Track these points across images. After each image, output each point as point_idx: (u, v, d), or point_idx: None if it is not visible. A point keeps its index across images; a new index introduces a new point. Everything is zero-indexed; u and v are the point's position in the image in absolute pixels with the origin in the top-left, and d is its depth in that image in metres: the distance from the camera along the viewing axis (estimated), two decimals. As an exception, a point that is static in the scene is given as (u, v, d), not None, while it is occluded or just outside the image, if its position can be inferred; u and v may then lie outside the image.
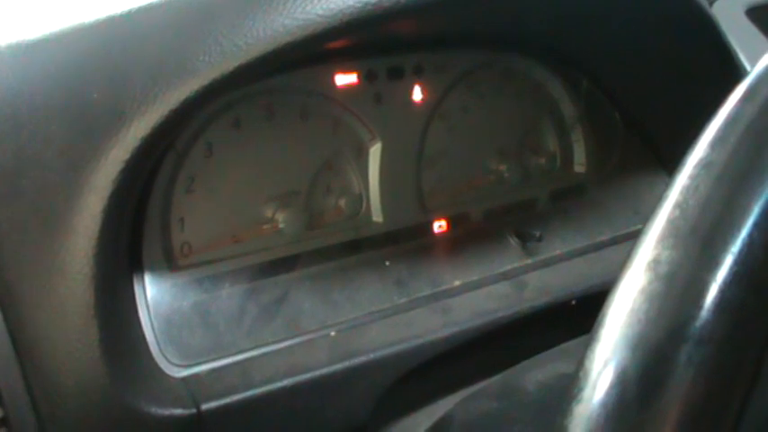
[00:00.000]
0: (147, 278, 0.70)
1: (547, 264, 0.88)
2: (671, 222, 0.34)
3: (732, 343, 0.31)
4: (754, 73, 0.38)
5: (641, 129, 0.97)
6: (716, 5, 1.06)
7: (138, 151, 0.60)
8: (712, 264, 0.32)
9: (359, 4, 0.61)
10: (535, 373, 0.68)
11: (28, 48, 0.65)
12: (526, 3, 0.78)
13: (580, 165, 0.98)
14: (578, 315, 0.79)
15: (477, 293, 0.82)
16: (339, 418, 0.71)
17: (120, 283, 0.67)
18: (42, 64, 0.64)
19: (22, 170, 0.61)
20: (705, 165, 0.35)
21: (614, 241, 0.92)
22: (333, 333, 0.74)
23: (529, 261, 0.88)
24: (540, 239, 0.89)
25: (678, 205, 0.34)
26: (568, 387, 0.34)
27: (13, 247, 0.61)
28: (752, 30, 1.05)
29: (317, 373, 0.69)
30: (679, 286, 0.32)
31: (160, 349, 0.67)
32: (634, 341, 0.32)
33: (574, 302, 0.82)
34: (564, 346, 0.72)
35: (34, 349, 0.61)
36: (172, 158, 0.72)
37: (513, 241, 0.89)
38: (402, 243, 0.86)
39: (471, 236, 0.89)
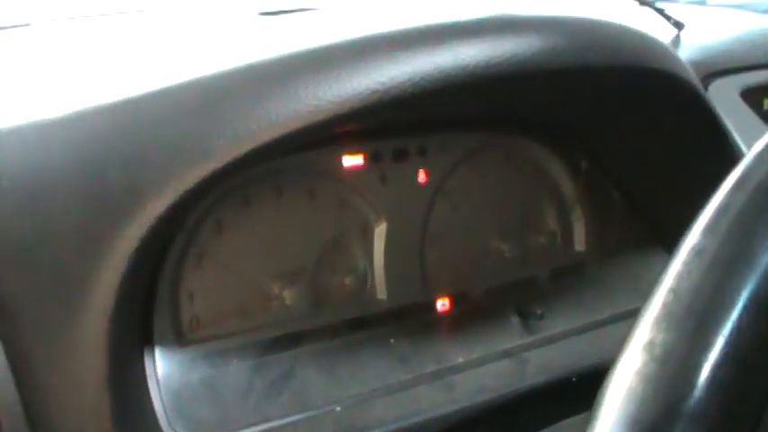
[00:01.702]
0: (158, 352, 0.72)
1: (548, 341, 0.89)
2: (665, 306, 0.36)
3: (724, 420, 0.33)
4: (743, 163, 0.41)
5: (640, 208, 0.99)
6: (711, 87, 1.08)
7: (153, 230, 0.62)
8: (704, 346, 0.34)
9: (367, 92, 0.64)
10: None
11: (49, 126, 0.67)
12: (528, 89, 0.81)
13: (580, 243, 1.00)
14: (579, 392, 0.80)
15: (479, 370, 0.83)
16: (345, 492, 0.72)
17: (132, 357, 0.69)
18: (62, 142, 0.67)
19: (39, 245, 0.63)
20: (697, 252, 0.37)
21: (614, 319, 0.93)
22: (338, 409, 0.75)
23: (530, 339, 0.89)
24: (541, 317, 0.90)
25: (672, 290, 0.36)
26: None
27: (29, 319, 0.62)
28: (746, 111, 1.07)
29: (323, 448, 0.71)
30: (673, 367, 0.34)
31: (169, 422, 0.69)
32: (631, 420, 0.34)
33: (574, 379, 0.83)
34: (565, 422, 0.73)
35: (47, 420, 0.62)
36: (183, 235, 0.74)
37: (515, 319, 0.91)
38: (406, 320, 0.87)
39: (474, 314, 0.91)
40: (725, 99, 1.07)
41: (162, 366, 0.72)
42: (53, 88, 0.76)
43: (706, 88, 1.08)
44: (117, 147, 0.65)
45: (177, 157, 0.63)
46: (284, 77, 0.65)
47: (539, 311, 0.90)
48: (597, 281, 0.99)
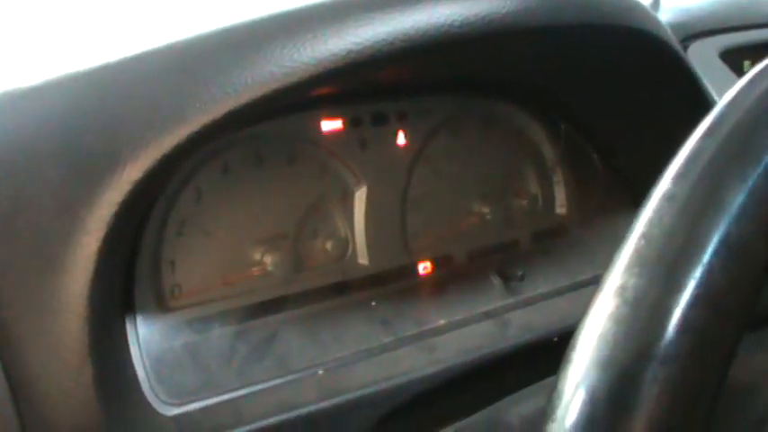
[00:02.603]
0: (139, 319, 0.72)
1: (529, 303, 0.90)
2: (637, 251, 0.36)
3: (695, 361, 0.33)
4: (714, 111, 0.41)
5: (620, 170, 0.99)
6: (691, 49, 1.09)
7: (131, 195, 0.62)
8: (675, 288, 0.34)
9: (342, 52, 0.64)
10: (518, 407, 0.69)
11: (24, 94, 0.67)
12: (505, 49, 0.80)
13: (561, 206, 1.01)
14: (560, 352, 0.80)
15: (461, 332, 0.84)
16: (327, 454, 0.73)
17: (113, 324, 0.69)
18: (38, 110, 0.66)
19: (17, 212, 0.63)
20: (668, 197, 0.37)
21: (595, 280, 0.92)
22: (321, 372, 0.75)
23: (512, 300, 0.90)
24: (522, 279, 0.91)
25: (643, 236, 0.36)
26: (544, 408, 0.36)
27: (8, 287, 0.62)
28: (726, 72, 1.08)
29: (306, 410, 0.71)
30: (644, 310, 0.34)
31: (152, 388, 0.69)
32: (603, 363, 0.34)
33: (556, 339, 0.84)
34: (546, 381, 0.74)
35: (28, 386, 0.62)
36: (162, 203, 0.74)
37: (497, 281, 0.91)
38: (388, 284, 0.88)
39: (455, 276, 0.91)
40: (705, 60, 1.07)
41: (144, 333, 0.72)
42: (29, 56, 0.76)
43: (686, 50, 1.08)
44: (93, 112, 0.65)
45: (153, 122, 0.62)
46: (259, 40, 0.65)
47: (520, 273, 0.90)
48: (578, 243, 0.99)
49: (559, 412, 0.35)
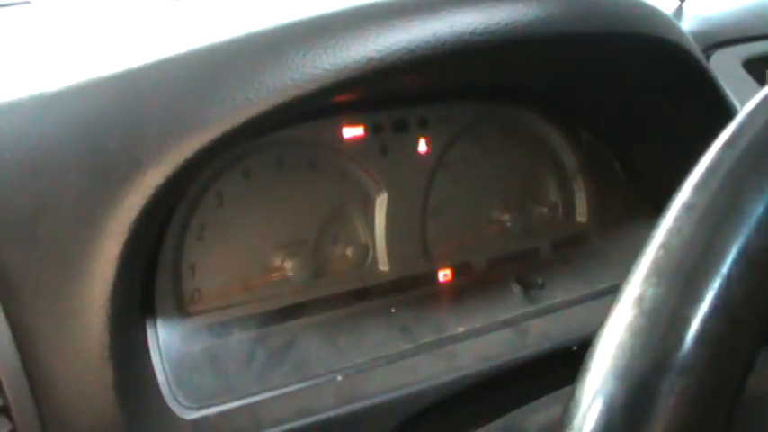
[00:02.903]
0: (160, 323, 0.72)
1: (549, 311, 0.90)
2: (655, 261, 0.36)
3: (712, 372, 0.33)
4: (735, 121, 0.41)
5: (641, 178, 0.99)
6: (713, 58, 1.08)
7: (153, 200, 0.62)
8: (693, 299, 0.34)
9: (363, 60, 0.64)
10: (536, 416, 0.69)
11: (47, 99, 0.68)
12: (526, 57, 0.80)
13: (582, 214, 1.00)
14: (579, 361, 0.80)
15: (480, 340, 0.84)
16: (345, 460, 0.73)
17: (134, 328, 0.69)
18: (61, 115, 0.67)
19: (40, 216, 0.63)
20: (687, 208, 0.37)
21: (615, 289, 0.92)
22: (339, 377, 0.75)
23: (531, 308, 0.90)
24: (542, 287, 0.90)
25: (662, 246, 0.36)
26: (561, 417, 0.36)
27: (31, 289, 0.63)
28: (749, 81, 1.07)
29: (324, 416, 0.71)
30: (662, 321, 0.34)
31: (171, 392, 0.69)
32: (620, 372, 0.34)
33: (575, 348, 0.84)
34: (565, 390, 0.74)
35: (50, 388, 0.62)
36: (184, 207, 0.74)
37: (516, 289, 0.91)
38: (407, 291, 0.88)
39: (475, 284, 0.91)
40: (727, 70, 1.07)
41: (164, 337, 0.72)
42: (52, 64, 0.76)
43: (708, 59, 1.08)
44: (115, 118, 0.66)
45: (175, 128, 0.63)
46: (281, 46, 0.65)
47: (540, 281, 0.90)
48: (598, 251, 0.99)
49: (576, 422, 0.35)
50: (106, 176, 0.63)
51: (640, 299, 0.35)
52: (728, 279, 0.34)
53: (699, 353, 0.33)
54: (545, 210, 0.98)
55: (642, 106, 0.91)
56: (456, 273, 0.91)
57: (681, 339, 0.33)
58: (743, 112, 0.41)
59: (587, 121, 0.97)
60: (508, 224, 0.95)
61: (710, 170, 0.38)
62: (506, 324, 0.87)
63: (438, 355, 0.81)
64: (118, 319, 0.63)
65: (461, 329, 0.84)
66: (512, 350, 0.82)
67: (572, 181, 1.00)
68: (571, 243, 0.99)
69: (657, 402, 0.33)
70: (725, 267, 0.35)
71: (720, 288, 0.34)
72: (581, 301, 0.91)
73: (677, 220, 0.37)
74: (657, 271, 0.36)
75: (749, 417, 0.51)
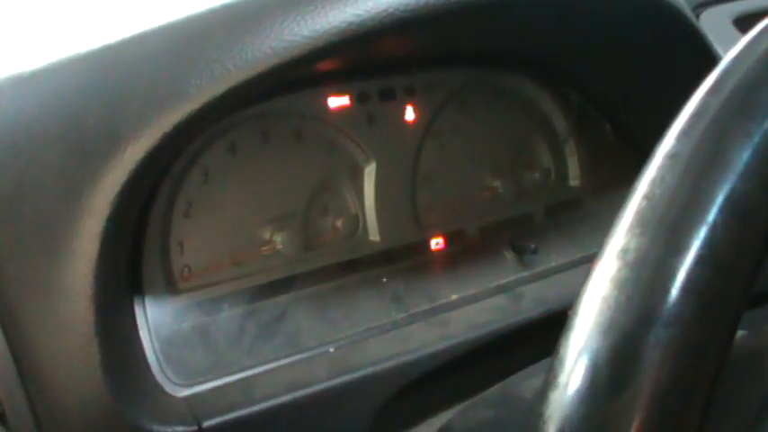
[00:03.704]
0: (148, 300, 0.72)
1: (543, 276, 0.89)
2: (638, 212, 0.35)
3: (698, 323, 0.32)
4: (718, 68, 0.40)
5: (633, 140, 0.98)
6: (703, 16, 1.07)
7: (135, 175, 0.62)
8: (678, 249, 0.33)
9: (343, 25, 0.63)
10: (532, 381, 0.69)
11: (25, 78, 0.67)
12: (510, 19, 0.79)
13: (574, 178, 1.00)
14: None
15: (473, 307, 0.83)
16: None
17: (121, 306, 0.68)
18: (39, 93, 0.66)
19: (21, 196, 0.63)
20: (671, 156, 0.36)
21: (609, 252, 0.92)
22: (331, 349, 0.75)
23: (525, 274, 0.89)
24: (535, 252, 0.90)
25: (645, 196, 0.35)
26: (546, 375, 0.35)
27: (14, 270, 0.62)
28: (739, 38, 1.06)
29: (317, 388, 0.71)
30: (646, 272, 0.33)
31: (161, 369, 0.68)
32: (605, 327, 0.33)
33: (570, 313, 0.83)
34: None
35: (37, 369, 0.62)
36: (169, 184, 0.73)
37: (509, 255, 0.90)
38: (399, 261, 0.87)
39: (467, 251, 0.90)
40: (717, 28, 1.06)
41: (153, 315, 0.71)
42: (28, 42, 0.76)
43: (698, 17, 1.07)
44: (94, 94, 0.65)
45: (154, 101, 0.62)
46: (258, 15, 0.64)
47: (533, 246, 0.90)
48: (592, 215, 0.98)
49: (561, 379, 0.34)
50: (86, 153, 0.62)
51: (624, 251, 0.34)
52: (714, 227, 0.33)
53: (684, 303, 0.32)
54: (537, 175, 0.97)
55: (632, 67, 0.90)
56: (448, 240, 0.90)
57: (666, 290, 0.33)
58: (726, 58, 0.40)
59: (577, 83, 0.96)
60: (500, 190, 0.94)
61: (694, 117, 0.37)
62: (500, 290, 0.86)
63: (431, 324, 0.80)
64: (104, 298, 0.62)
65: (454, 297, 0.84)
66: (506, 316, 0.81)
67: (563, 145, 0.99)
68: (564, 207, 0.98)
69: (643, 356, 0.32)
70: (710, 215, 0.34)
71: (705, 237, 0.33)
72: (575, 265, 0.91)
73: (660, 168, 0.36)
74: (641, 221, 0.35)
75: (739, 379, 0.50)
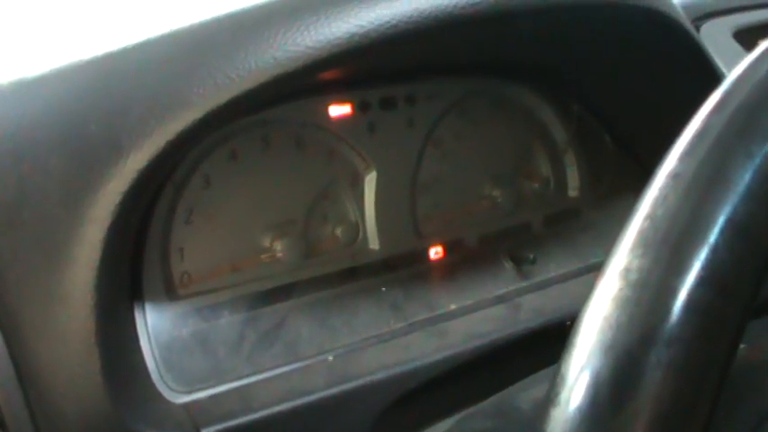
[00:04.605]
0: (148, 307, 0.72)
1: (541, 286, 0.89)
2: (641, 232, 0.35)
3: (700, 343, 0.33)
4: (722, 87, 0.40)
5: (632, 151, 0.98)
6: (703, 28, 1.07)
7: (136, 183, 0.62)
8: (679, 269, 0.33)
9: (346, 36, 0.63)
10: (530, 392, 0.69)
11: (28, 84, 0.67)
12: (512, 30, 0.80)
13: (573, 189, 1.00)
14: (572, 336, 0.80)
15: (472, 317, 0.83)
16: (337, 440, 0.72)
17: (121, 312, 0.69)
18: (42, 99, 0.66)
19: (23, 202, 0.63)
20: (673, 176, 0.36)
21: (607, 263, 0.92)
22: (330, 358, 0.75)
23: (523, 284, 0.89)
24: (534, 262, 0.90)
25: (648, 216, 0.36)
26: (547, 392, 0.35)
27: (15, 276, 0.62)
28: (739, 52, 1.06)
29: (315, 396, 0.71)
30: (648, 292, 0.33)
31: (161, 376, 0.69)
32: (606, 346, 0.33)
33: (568, 323, 0.83)
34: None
35: (37, 375, 0.62)
36: (170, 190, 0.74)
37: (508, 265, 0.90)
38: (398, 270, 0.87)
39: (466, 261, 0.90)
40: (718, 40, 1.06)
41: (153, 321, 0.71)
42: (32, 47, 0.76)
43: (698, 30, 1.07)
44: (96, 101, 0.65)
45: (157, 109, 0.62)
46: (262, 25, 0.64)
47: (532, 256, 0.90)
48: (591, 226, 0.98)
49: (563, 396, 0.34)
50: (88, 160, 0.63)
51: (626, 270, 0.34)
52: (715, 248, 0.34)
53: (686, 323, 0.33)
54: (536, 185, 0.97)
55: (632, 78, 0.91)
56: (447, 250, 0.90)
57: (668, 310, 0.33)
58: (729, 77, 0.41)
59: (577, 94, 0.97)
60: (499, 200, 0.94)
61: (697, 137, 0.37)
62: (498, 300, 0.86)
63: (430, 333, 0.80)
64: (104, 304, 0.62)
65: (453, 307, 0.84)
66: (504, 326, 0.82)
67: (563, 155, 0.99)
68: (563, 218, 0.99)
69: (645, 375, 0.32)
70: (712, 236, 0.34)
71: (707, 257, 0.33)
72: (573, 275, 0.91)
73: (663, 188, 0.36)
74: (643, 241, 0.35)
75: (739, 394, 0.50)
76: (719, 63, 0.91)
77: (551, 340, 0.81)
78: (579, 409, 0.33)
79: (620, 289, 0.34)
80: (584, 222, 0.99)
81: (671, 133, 0.40)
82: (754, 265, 0.34)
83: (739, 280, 0.34)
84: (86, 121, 0.64)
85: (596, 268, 0.90)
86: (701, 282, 0.33)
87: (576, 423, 0.33)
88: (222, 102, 0.62)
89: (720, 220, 0.34)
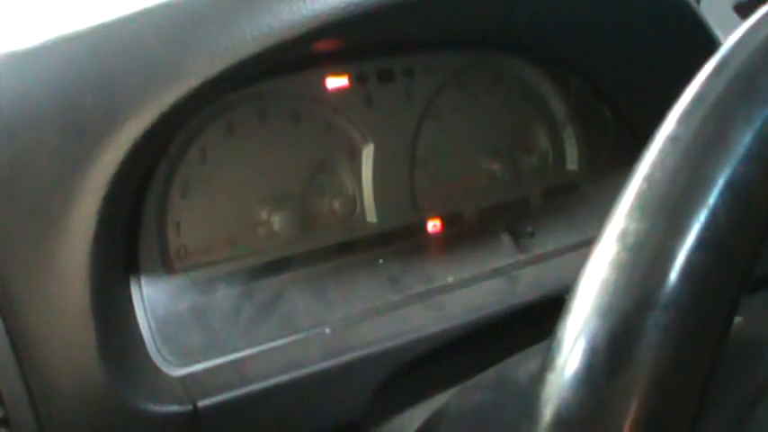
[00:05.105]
0: (144, 280, 0.71)
1: (539, 259, 0.89)
2: (639, 195, 0.35)
3: (697, 308, 0.32)
4: (720, 51, 0.39)
5: (631, 124, 0.98)
6: (704, 1, 1.06)
7: (132, 154, 0.61)
8: (678, 232, 0.33)
9: (342, 5, 0.62)
10: (527, 364, 0.69)
11: (21, 56, 0.67)
12: (511, 3, 0.79)
13: (572, 162, 0.99)
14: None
15: (470, 289, 0.83)
16: (334, 413, 0.72)
17: (117, 286, 0.68)
18: (36, 71, 0.66)
19: (17, 174, 0.62)
20: (672, 139, 0.36)
21: (606, 237, 0.92)
22: (327, 330, 0.75)
23: (521, 257, 0.89)
24: (532, 236, 0.90)
25: (645, 179, 0.35)
26: (543, 357, 0.35)
27: (9, 249, 0.62)
28: (740, 24, 1.05)
29: (312, 369, 0.70)
30: (646, 255, 0.33)
31: (157, 349, 0.68)
32: (603, 310, 0.33)
33: (566, 296, 0.83)
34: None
35: (32, 350, 0.62)
36: (166, 163, 0.73)
37: (506, 238, 0.90)
38: (396, 242, 0.86)
39: (464, 234, 0.90)
40: (718, 13, 1.05)
41: (149, 294, 0.71)
42: (25, 20, 0.75)
43: (698, 2, 1.06)
44: (91, 71, 0.65)
45: (151, 79, 0.62)
46: (258, -7, 0.64)
47: (530, 230, 0.89)
48: (589, 199, 0.98)
49: (559, 361, 0.34)
50: (83, 131, 0.62)
51: (623, 234, 0.34)
52: (714, 212, 0.33)
53: (684, 287, 0.32)
54: (535, 158, 0.97)
55: (632, 51, 0.90)
56: (445, 223, 0.90)
57: (665, 274, 0.32)
58: (727, 42, 0.40)
59: (576, 67, 0.96)
60: (498, 173, 0.94)
61: (695, 100, 0.37)
62: (496, 273, 0.86)
63: (427, 306, 0.80)
64: (100, 277, 0.62)
65: (451, 280, 0.84)
66: (502, 299, 0.81)
67: (562, 129, 0.98)
68: (562, 191, 0.98)
69: (641, 339, 0.32)
70: (710, 200, 0.33)
71: (706, 221, 0.33)
72: (572, 249, 0.91)
73: (661, 151, 0.36)
74: (641, 205, 0.35)
75: (737, 367, 0.50)
76: (720, 36, 0.90)
77: (549, 313, 0.81)
78: (576, 373, 0.33)
79: (618, 252, 0.34)
80: (583, 196, 0.98)
81: (671, 107, 0.40)
82: (752, 229, 0.34)
83: (738, 244, 0.34)
84: (81, 93, 0.63)
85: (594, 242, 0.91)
86: (699, 245, 0.33)
87: (572, 387, 0.33)
88: (217, 71, 0.62)
89: (719, 184, 0.34)
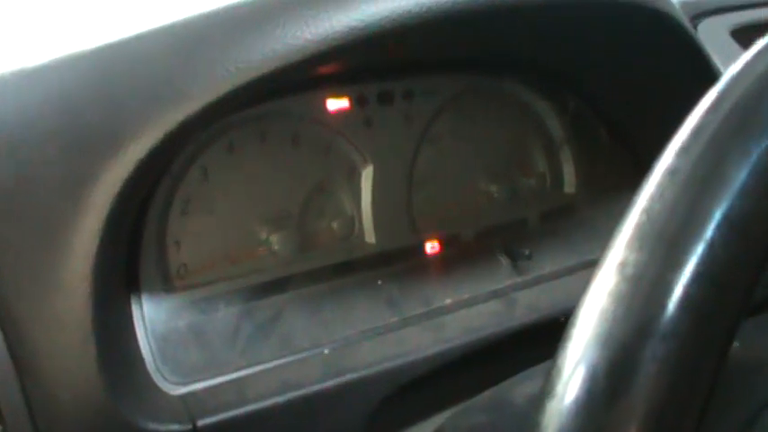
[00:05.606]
0: (144, 298, 0.72)
1: (537, 282, 0.89)
2: (638, 227, 0.36)
3: (694, 338, 0.33)
4: (718, 85, 0.40)
5: (629, 147, 0.98)
6: (701, 26, 1.07)
7: (134, 174, 0.62)
8: (676, 264, 0.34)
9: (346, 29, 0.63)
10: (524, 387, 0.69)
11: (27, 74, 0.67)
12: (510, 26, 0.80)
13: (569, 185, 1.00)
14: (567, 331, 0.80)
15: (468, 311, 0.83)
16: (332, 433, 0.73)
17: (118, 303, 0.69)
18: (41, 89, 0.66)
19: (20, 190, 0.63)
20: (671, 172, 0.37)
21: (603, 260, 0.93)
22: (326, 351, 0.75)
23: (519, 279, 0.89)
24: (529, 258, 0.90)
25: (644, 211, 0.36)
26: (542, 385, 0.35)
27: (11, 264, 0.62)
28: (737, 50, 1.06)
29: (310, 389, 0.71)
30: (644, 286, 0.34)
31: (157, 367, 0.69)
32: (602, 339, 0.34)
33: (563, 319, 0.83)
34: (553, 361, 0.73)
35: (33, 365, 0.62)
36: (167, 182, 0.74)
37: (504, 260, 0.91)
38: (394, 264, 0.87)
39: (462, 255, 0.90)
40: (715, 38, 1.06)
41: (149, 312, 0.72)
42: (31, 38, 0.76)
43: (695, 27, 1.07)
44: (95, 91, 0.65)
45: (155, 101, 0.62)
46: (261, 18, 0.64)
47: (527, 252, 0.90)
48: (587, 222, 0.98)
49: (558, 389, 0.34)
50: (87, 149, 0.63)
51: (622, 265, 0.35)
52: (712, 244, 0.34)
53: (681, 319, 0.33)
54: (532, 180, 0.97)
55: (629, 74, 0.91)
56: (443, 244, 0.90)
57: (663, 305, 0.33)
58: (726, 75, 0.41)
59: (574, 89, 0.97)
60: (495, 195, 0.94)
61: (694, 134, 0.38)
62: (494, 295, 0.86)
63: (425, 328, 0.80)
64: (100, 295, 0.62)
65: (448, 301, 0.84)
66: (499, 322, 0.82)
67: (559, 151, 0.99)
68: (559, 213, 0.99)
69: (640, 369, 0.33)
70: (708, 232, 0.34)
71: (703, 253, 0.34)
72: (569, 271, 0.91)
73: (660, 184, 0.36)
74: (639, 236, 0.35)
75: (733, 390, 0.51)
76: (717, 61, 0.91)
77: (546, 336, 0.81)
78: (575, 401, 0.33)
79: (617, 283, 0.34)
80: (580, 219, 0.99)
81: (668, 130, 0.41)
82: (749, 261, 0.35)
83: (735, 276, 0.34)
84: (86, 111, 0.64)
85: (592, 264, 0.89)
86: (697, 277, 0.33)
87: (571, 415, 0.33)
88: (221, 94, 0.62)
89: (717, 217, 0.34)
